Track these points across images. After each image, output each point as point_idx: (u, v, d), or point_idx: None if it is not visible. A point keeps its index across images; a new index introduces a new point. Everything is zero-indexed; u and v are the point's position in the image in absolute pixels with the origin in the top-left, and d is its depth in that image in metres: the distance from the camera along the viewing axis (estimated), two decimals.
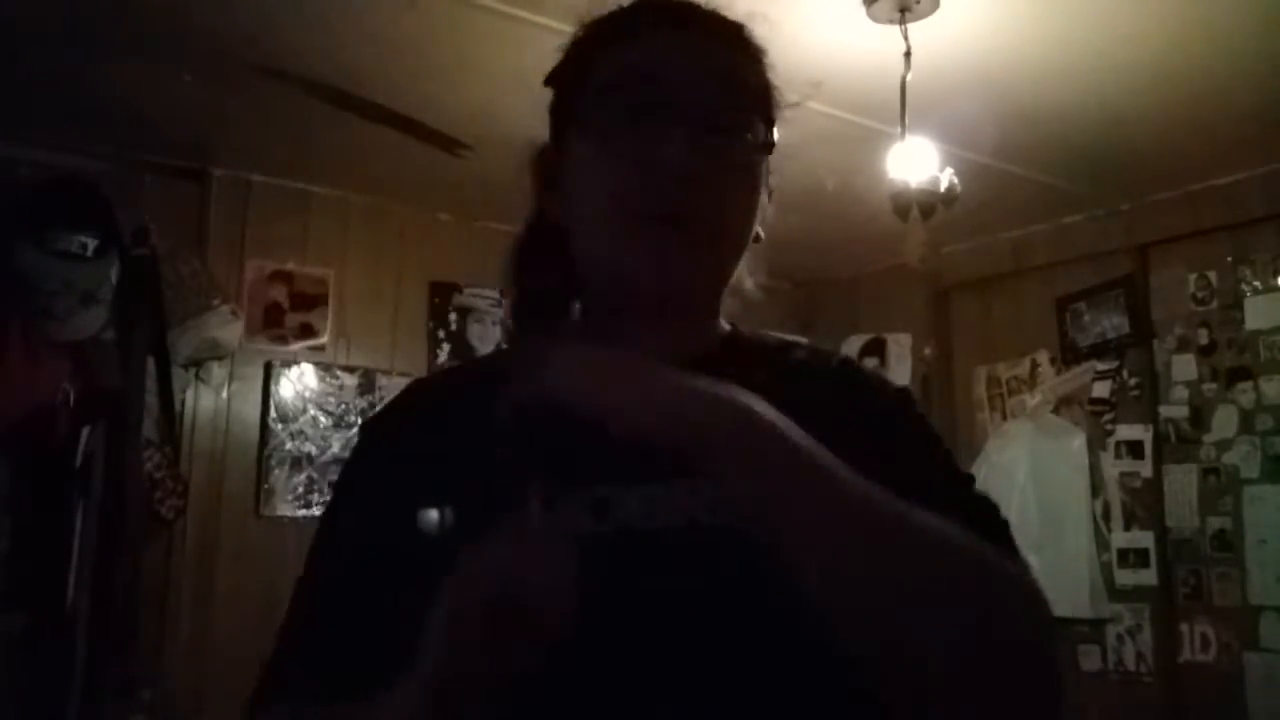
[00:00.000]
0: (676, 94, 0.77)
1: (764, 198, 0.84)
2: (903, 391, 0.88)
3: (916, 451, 0.82)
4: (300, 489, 3.23)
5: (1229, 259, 3.19)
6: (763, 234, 0.86)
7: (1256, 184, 3.10)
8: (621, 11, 0.82)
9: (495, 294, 3.69)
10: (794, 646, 0.69)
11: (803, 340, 0.91)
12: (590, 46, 0.82)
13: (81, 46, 2.38)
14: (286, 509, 3.19)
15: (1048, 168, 3.10)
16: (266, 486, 3.18)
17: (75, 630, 2.63)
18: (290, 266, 3.31)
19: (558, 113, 0.85)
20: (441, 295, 3.59)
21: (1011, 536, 0.77)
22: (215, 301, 3.00)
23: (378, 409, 0.86)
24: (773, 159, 0.86)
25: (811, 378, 0.84)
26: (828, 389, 0.82)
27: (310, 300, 3.33)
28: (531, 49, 2.47)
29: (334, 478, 3.25)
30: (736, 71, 0.81)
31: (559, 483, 0.70)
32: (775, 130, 0.83)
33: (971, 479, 0.83)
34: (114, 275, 2.78)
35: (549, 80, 0.85)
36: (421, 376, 0.93)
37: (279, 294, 3.29)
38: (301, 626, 0.78)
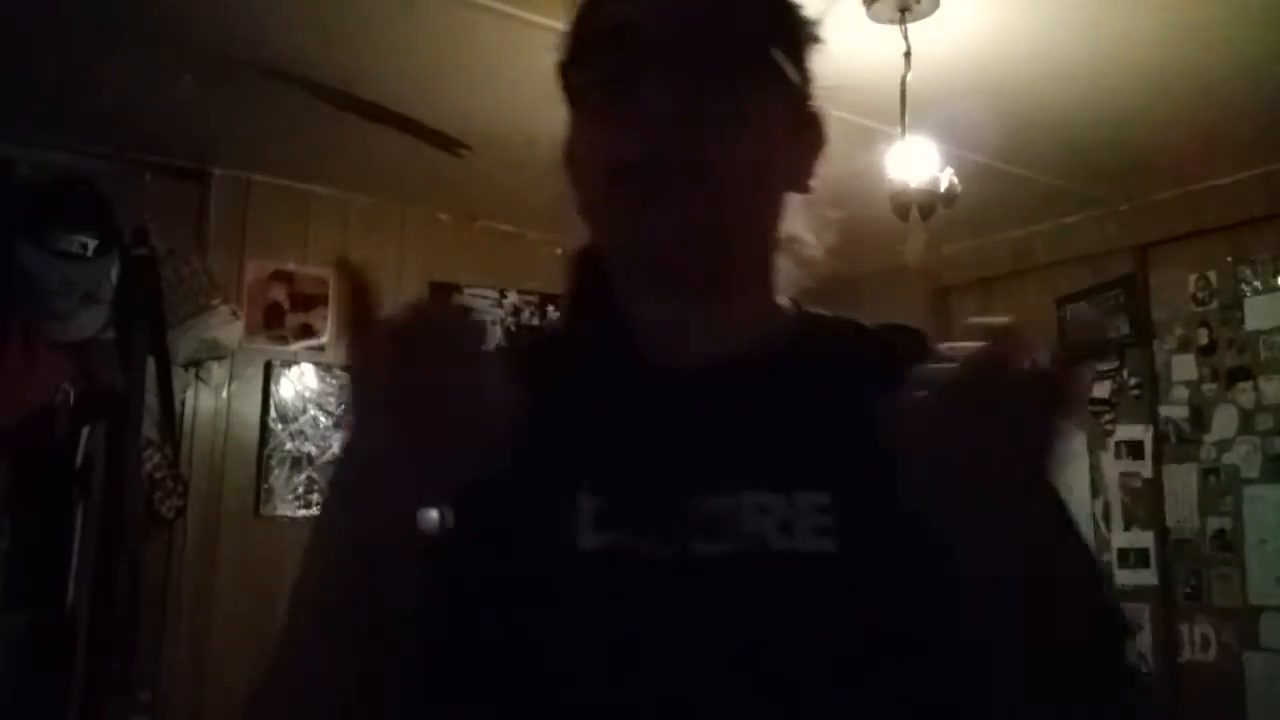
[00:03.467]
0: (650, 39, 0.69)
1: (793, 140, 0.75)
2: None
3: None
4: (300, 489, 3.23)
5: (1229, 259, 3.19)
6: (813, 184, 0.77)
7: (1256, 184, 3.10)
8: None
9: (495, 294, 3.69)
10: (865, 700, 0.62)
11: (903, 326, 0.80)
12: (576, 22, 0.76)
13: (82, 46, 2.38)
14: (286, 509, 3.19)
15: (1048, 168, 3.09)
16: (266, 486, 3.18)
17: (75, 630, 2.63)
18: (290, 266, 3.31)
19: (564, 95, 0.77)
20: (441, 295, 3.59)
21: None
22: (215, 301, 3.00)
23: None
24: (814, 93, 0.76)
25: (906, 384, 0.69)
26: (924, 402, 0.67)
27: (310, 300, 3.33)
28: (531, 49, 2.47)
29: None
30: (722, 6, 0.72)
31: (611, 486, 0.65)
32: (797, 63, 0.74)
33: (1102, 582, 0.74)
34: (114, 275, 2.79)
35: (558, 69, 0.77)
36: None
37: (279, 294, 3.29)
38: None
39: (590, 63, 0.72)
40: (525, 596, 0.62)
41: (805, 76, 0.75)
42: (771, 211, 0.75)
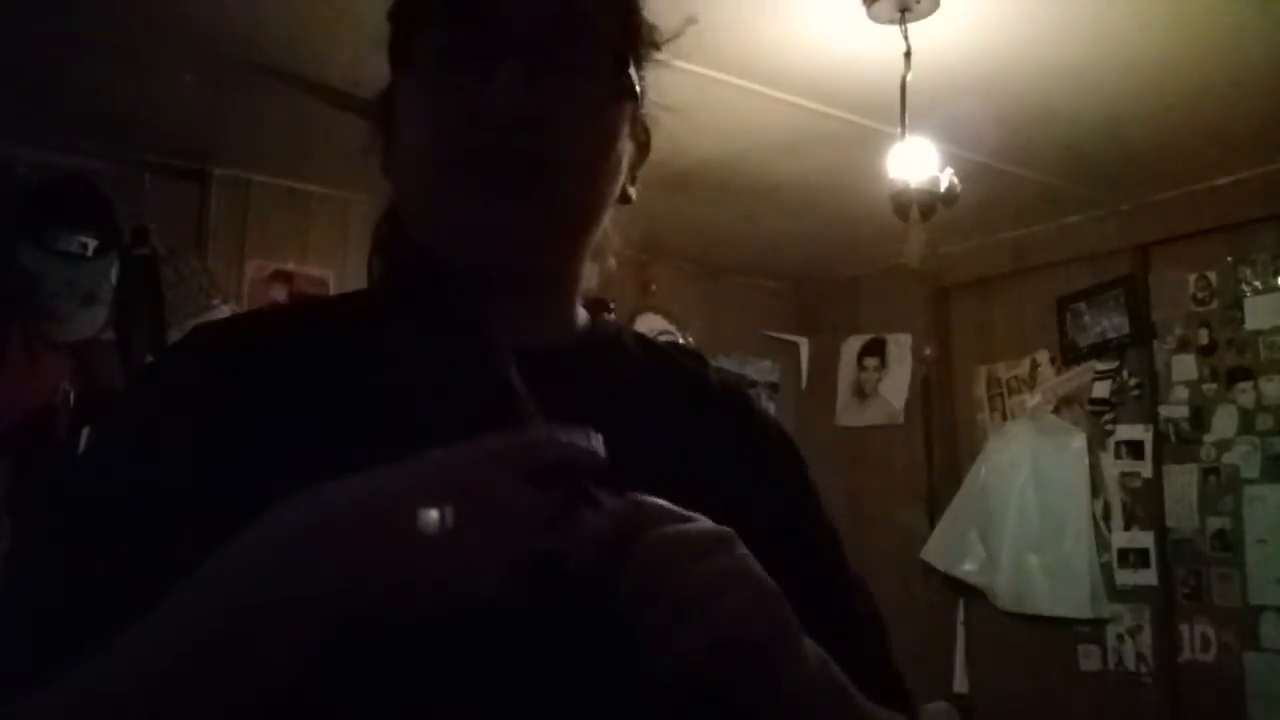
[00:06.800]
0: (509, 24, 0.65)
1: (628, 150, 0.73)
2: (792, 443, 0.82)
3: (809, 522, 0.78)
4: None
5: (1229, 259, 3.19)
6: (633, 194, 0.75)
7: (1256, 184, 3.10)
8: None
9: None
10: None
11: (673, 338, 0.85)
12: None
13: (82, 46, 2.38)
14: None
15: (1048, 168, 3.09)
16: None
17: None
18: (290, 266, 3.31)
19: (391, 52, 0.72)
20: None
21: (895, 667, 0.76)
22: (215, 301, 3.00)
23: (189, 336, 0.70)
24: (664, 118, 0.76)
25: (692, 391, 0.77)
26: (710, 408, 0.76)
27: None
28: None
29: None
30: (579, 3, 0.68)
31: None
32: (639, 73, 0.72)
33: (854, 580, 0.78)
34: (114, 275, 2.79)
35: (390, 15, 0.72)
36: (250, 318, 0.78)
37: (279, 294, 3.29)
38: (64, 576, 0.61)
39: (436, 29, 0.67)
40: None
41: (644, 85, 0.74)
42: (603, 215, 0.73)
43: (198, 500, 0.58)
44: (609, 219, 0.74)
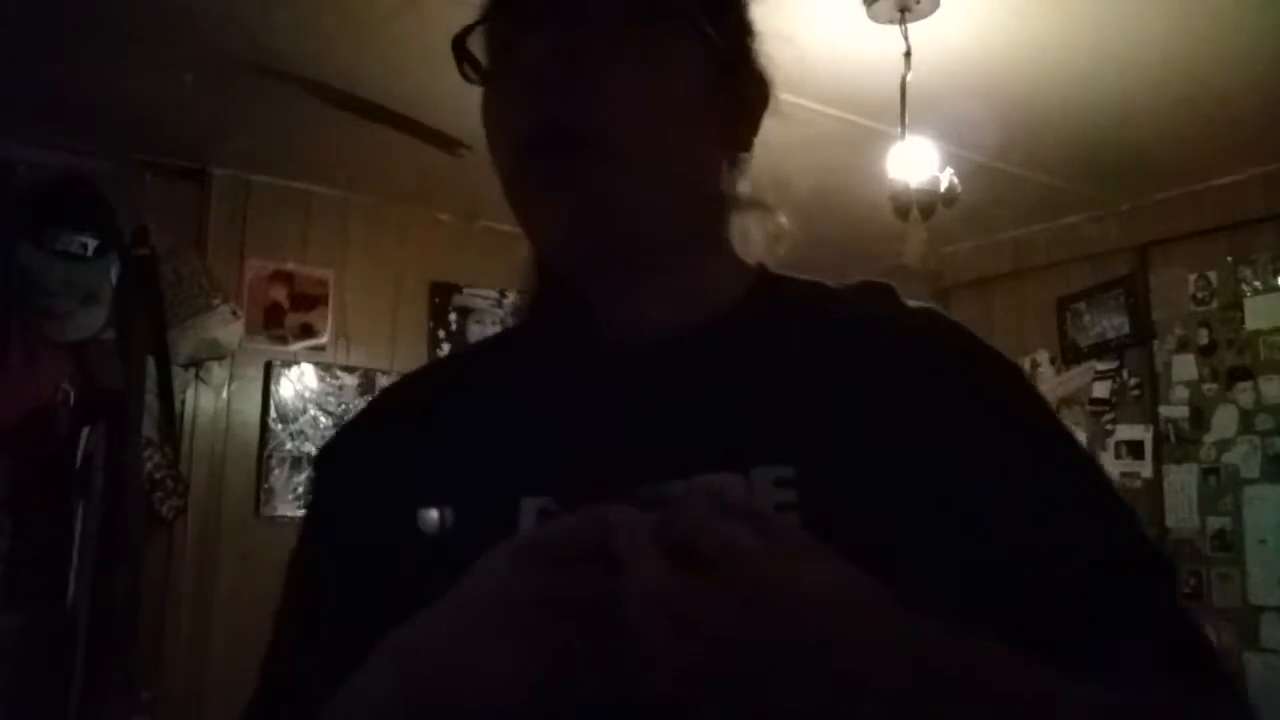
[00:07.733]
0: None
1: (718, 98, 0.66)
2: (1004, 371, 0.67)
3: (1026, 459, 0.64)
4: (300, 489, 3.23)
5: (1229, 259, 3.19)
6: (750, 143, 0.69)
7: (1256, 184, 3.10)
8: None
9: (495, 294, 3.69)
10: None
11: (872, 282, 0.73)
12: None
13: (82, 46, 2.38)
14: (286, 509, 3.19)
15: (1048, 168, 3.09)
16: (266, 486, 3.18)
17: (75, 630, 2.63)
18: (290, 266, 3.31)
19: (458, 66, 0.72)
20: (441, 295, 3.59)
21: (1175, 624, 0.61)
22: (215, 301, 3.00)
23: (349, 419, 0.77)
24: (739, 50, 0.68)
25: (874, 340, 0.66)
26: (895, 357, 0.64)
27: (310, 300, 3.33)
28: None
29: None
30: None
31: (556, 483, 0.59)
32: (707, 10, 0.65)
33: (1103, 518, 0.65)
34: (114, 275, 2.79)
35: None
36: (390, 386, 0.79)
37: (279, 294, 3.29)
38: (279, 666, 0.69)
39: (486, 29, 0.65)
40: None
41: (728, 25, 0.67)
42: (701, 172, 0.67)
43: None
44: (738, 172, 0.69)
